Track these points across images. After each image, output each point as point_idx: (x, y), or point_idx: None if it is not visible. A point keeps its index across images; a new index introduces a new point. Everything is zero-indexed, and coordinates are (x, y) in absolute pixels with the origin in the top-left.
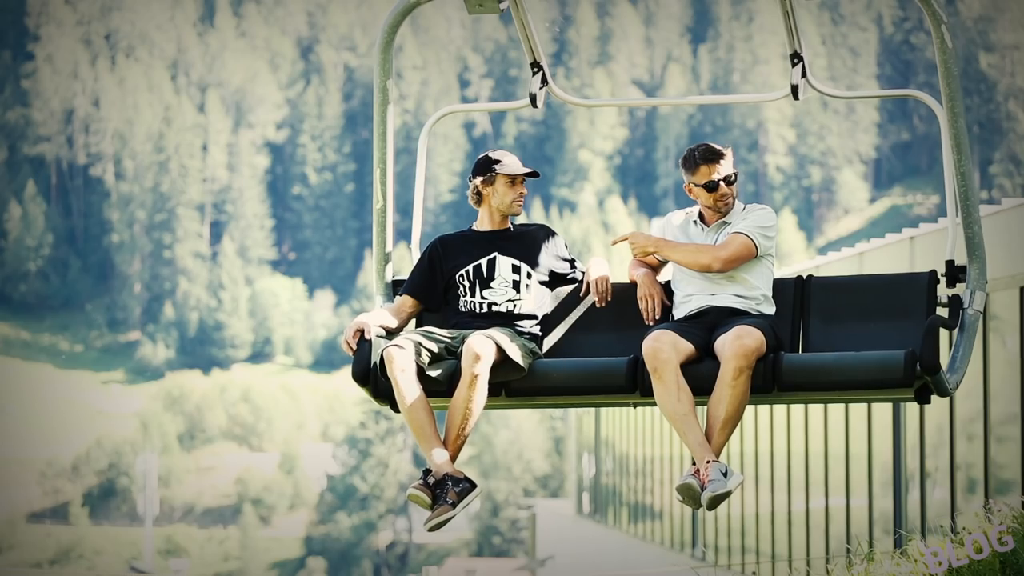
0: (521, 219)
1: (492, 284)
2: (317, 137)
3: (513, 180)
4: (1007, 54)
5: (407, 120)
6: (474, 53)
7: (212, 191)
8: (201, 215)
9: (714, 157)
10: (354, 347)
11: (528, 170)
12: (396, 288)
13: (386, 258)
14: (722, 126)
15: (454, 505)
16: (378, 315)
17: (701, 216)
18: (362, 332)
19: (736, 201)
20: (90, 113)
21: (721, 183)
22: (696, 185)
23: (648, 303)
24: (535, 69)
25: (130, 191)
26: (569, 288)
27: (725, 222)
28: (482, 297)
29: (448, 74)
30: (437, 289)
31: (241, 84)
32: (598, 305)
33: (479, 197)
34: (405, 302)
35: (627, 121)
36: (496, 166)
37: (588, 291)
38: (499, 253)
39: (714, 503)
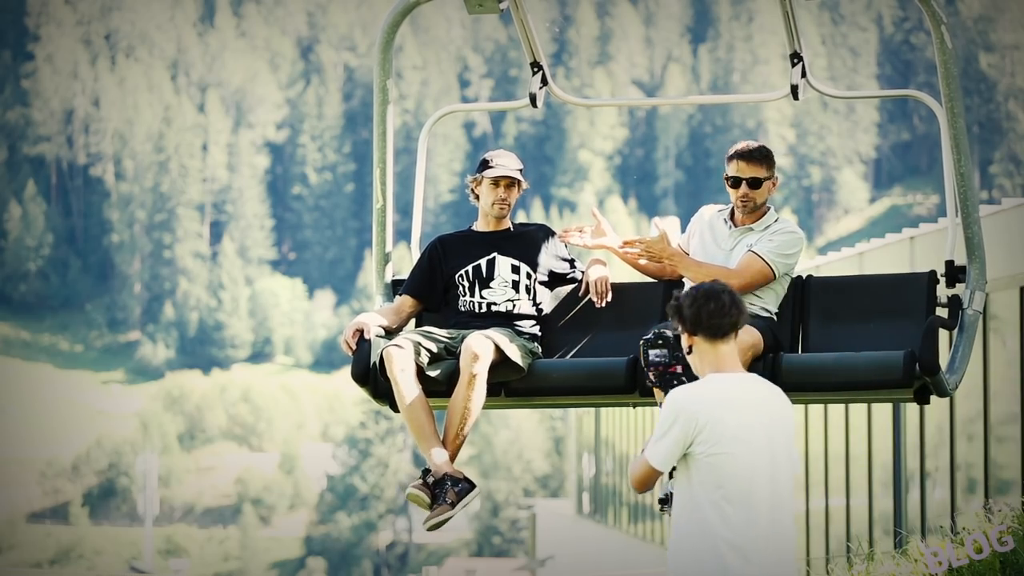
0: (521, 219)
1: (491, 284)
2: (317, 137)
3: (495, 182)
4: (1007, 54)
5: (407, 120)
6: (474, 53)
7: (212, 191)
8: (201, 215)
9: (747, 155)
10: (354, 347)
11: (502, 173)
12: (396, 288)
13: (386, 258)
14: (722, 126)
15: (453, 505)
16: (377, 315)
17: (732, 214)
18: (362, 332)
19: (771, 211)
20: (90, 113)
21: (744, 183)
22: (726, 177)
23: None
24: (535, 69)
25: (130, 191)
26: (569, 288)
27: (751, 228)
28: (481, 297)
29: (448, 74)
30: (437, 289)
31: (241, 84)
32: (597, 305)
33: (477, 196)
34: (405, 302)
35: (627, 121)
36: (485, 169)
37: (587, 291)
38: (498, 253)
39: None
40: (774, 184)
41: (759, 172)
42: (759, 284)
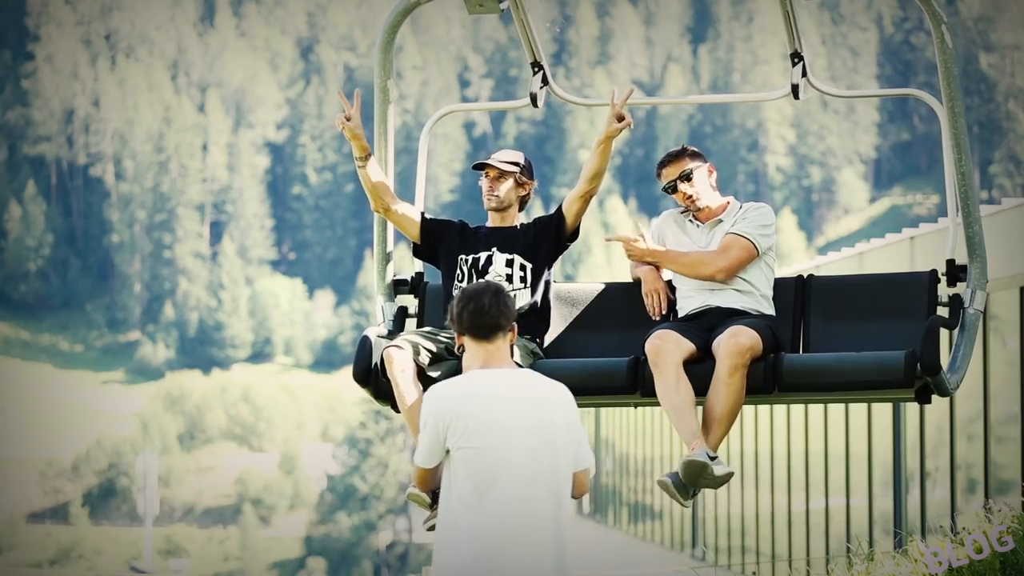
0: (521, 219)
1: (486, 277)
2: (317, 137)
3: (483, 173)
4: (1007, 54)
5: (407, 120)
6: (474, 53)
7: (212, 191)
8: (201, 215)
9: (666, 161)
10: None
11: (483, 160)
12: (396, 288)
13: (387, 258)
14: (722, 126)
15: None
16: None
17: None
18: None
19: (733, 201)
20: (90, 113)
21: (677, 182)
22: (662, 190)
23: (654, 298)
24: (535, 69)
25: (130, 191)
26: (570, 287)
27: (720, 220)
28: None
29: (448, 74)
30: (441, 236)
31: (241, 84)
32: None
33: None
34: (409, 208)
35: None
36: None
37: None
38: (497, 250)
39: (689, 469)
40: (710, 171)
41: (683, 166)
42: (745, 261)
